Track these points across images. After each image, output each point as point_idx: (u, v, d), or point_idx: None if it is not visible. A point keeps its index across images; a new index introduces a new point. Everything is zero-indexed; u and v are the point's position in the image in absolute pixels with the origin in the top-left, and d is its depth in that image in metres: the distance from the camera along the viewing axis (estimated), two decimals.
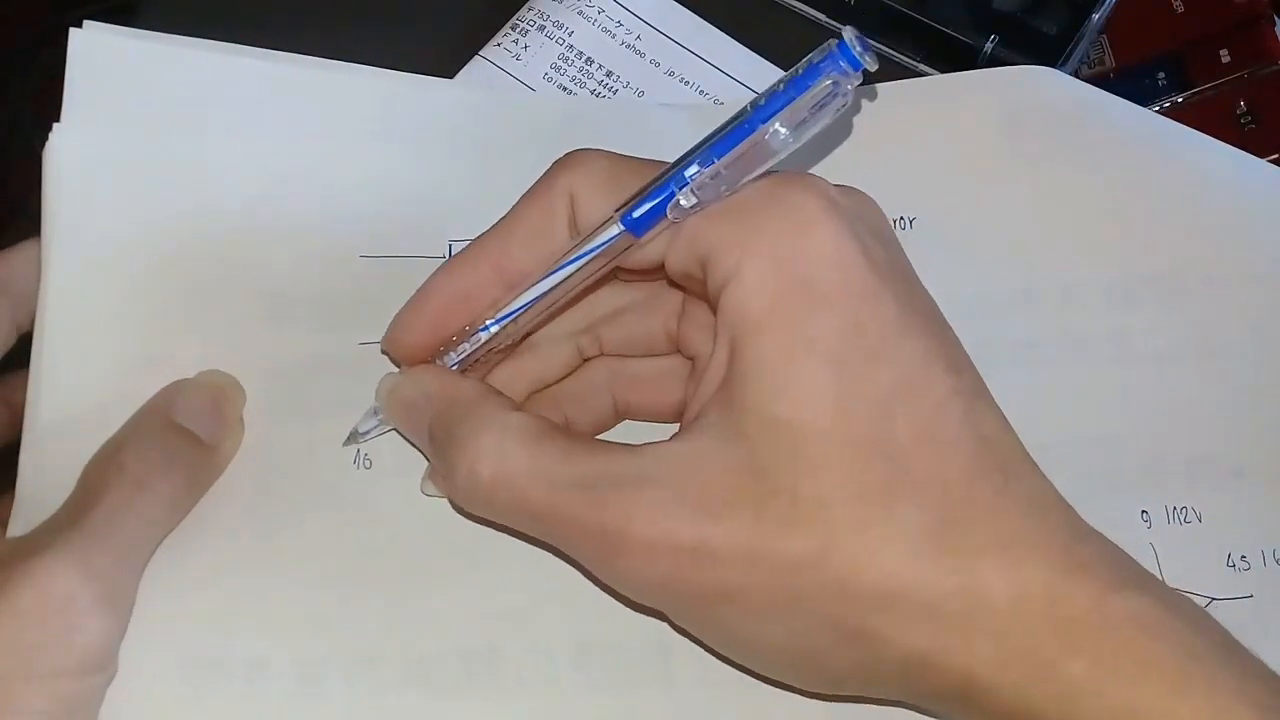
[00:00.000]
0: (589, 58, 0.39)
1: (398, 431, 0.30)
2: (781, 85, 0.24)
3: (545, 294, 0.27)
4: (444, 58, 0.38)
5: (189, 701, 0.28)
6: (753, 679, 0.29)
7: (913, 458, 0.23)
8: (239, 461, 0.30)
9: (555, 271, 0.27)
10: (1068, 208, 0.34)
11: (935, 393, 0.24)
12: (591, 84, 0.39)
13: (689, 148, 0.25)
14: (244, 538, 0.29)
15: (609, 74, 0.39)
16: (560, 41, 0.39)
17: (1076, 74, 0.39)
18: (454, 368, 0.28)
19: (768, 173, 0.25)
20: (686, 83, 0.39)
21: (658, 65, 0.39)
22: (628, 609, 0.29)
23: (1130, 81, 0.40)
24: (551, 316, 0.28)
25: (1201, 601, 0.30)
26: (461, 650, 0.29)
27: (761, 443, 0.23)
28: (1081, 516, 0.24)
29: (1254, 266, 0.34)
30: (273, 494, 0.30)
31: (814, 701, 0.29)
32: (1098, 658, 0.22)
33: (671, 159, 0.26)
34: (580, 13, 0.39)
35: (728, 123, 0.25)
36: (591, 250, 0.26)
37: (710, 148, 0.25)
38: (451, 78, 0.38)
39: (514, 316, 0.27)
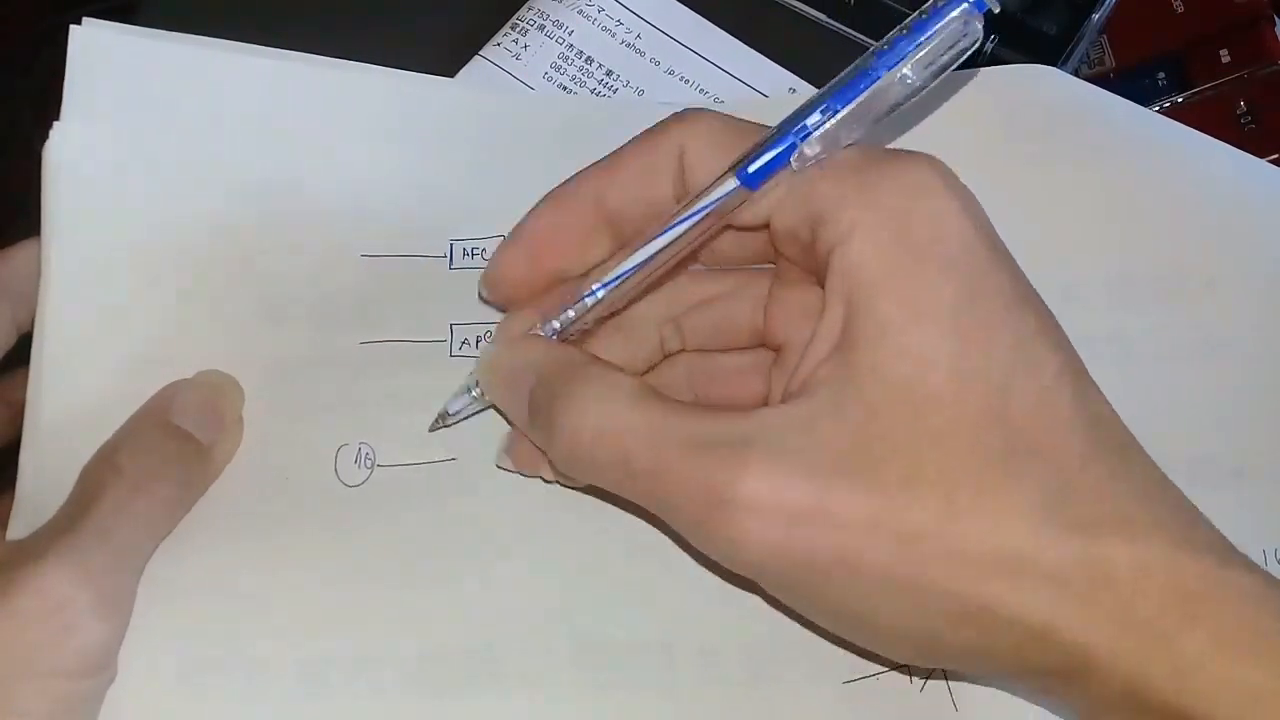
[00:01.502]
0: (589, 57, 0.39)
1: (495, 409, 0.29)
2: (905, 30, 0.24)
3: (655, 254, 0.26)
4: (444, 58, 0.38)
5: (189, 702, 0.28)
6: (753, 679, 0.29)
7: (1031, 431, 0.23)
8: (239, 461, 0.30)
9: (667, 230, 0.26)
10: (1068, 208, 0.34)
11: (1049, 368, 0.23)
12: (591, 83, 0.39)
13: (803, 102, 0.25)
14: (244, 538, 0.29)
15: (609, 73, 0.39)
16: (560, 41, 0.39)
17: (1076, 74, 0.39)
18: (555, 337, 0.28)
19: (864, 144, 0.25)
20: (687, 81, 0.39)
21: (658, 64, 0.39)
22: (625, 609, 0.29)
23: (1130, 81, 0.40)
24: (653, 286, 0.28)
25: None
26: (461, 650, 0.29)
27: (882, 407, 0.23)
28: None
29: (1254, 266, 0.34)
30: (273, 494, 0.30)
31: (816, 701, 0.29)
32: (1216, 630, 0.22)
33: None
34: (580, 12, 0.39)
35: (846, 73, 0.24)
36: (705, 207, 0.25)
37: (832, 97, 0.24)
38: (451, 78, 0.38)
39: (621, 279, 0.26)
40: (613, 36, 0.39)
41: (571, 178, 0.27)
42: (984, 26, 0.24)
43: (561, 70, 0.39)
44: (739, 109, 0.37)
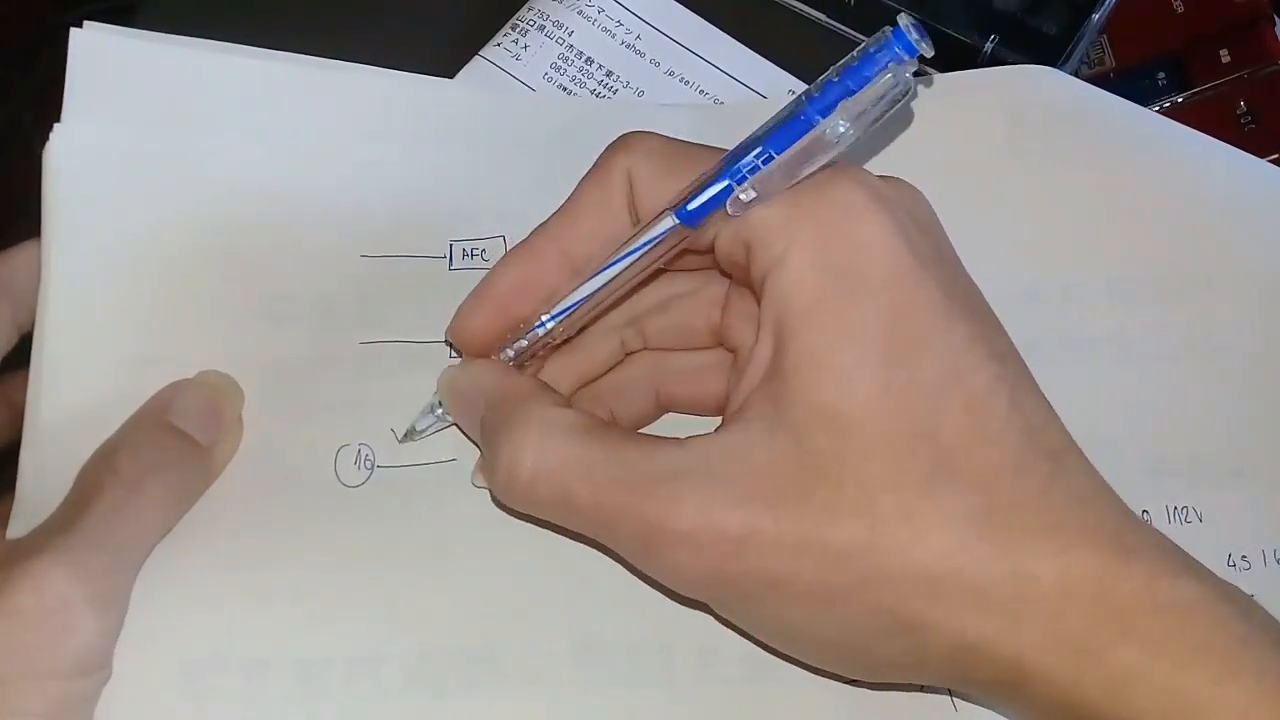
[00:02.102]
0: (589, 57, 0.39)
1: (458, 427, 0.30)
2: (836, 75, 0.24)
3: (601, 288, 0.27)
4: (444, 58, 0.38)
5: (188, 702, 0.28)
6: (753, 679, 0.29)
7: (959, 445, 0.23)
8: (238, 461, 0.30)
9: (610, 266, 0.27)
10: (1068, 208, 0.34)
11: (980, 380, 0.24)
12: (591, 84, 0.39)
13: (743, 139, 0.25)
14: (244, 538, 0.29)
15: (609, 74, 0.39)
16: (560, 41, 0.39)
17: (1076, 74, 0.39)
18: (511, 362, 0.28)
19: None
20: (686, 82, 0.39)
21: (658, 65, 0.39)
22: (625, 609, 0.29)
23: (1130, 81, 0.40)
24: (607, 310, 0.28)
25: None
26: (461, 650, 0.29)
27: (808, 432, 0.23)
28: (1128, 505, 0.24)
29: (1254, 266, 0.34)
30: (272, 494, 0.30)
31: (814, 700, 0.29)
32: (1147, 642, 0.22)
33: None
34: (580, 12, 0.39)
35: (782, 114, 0.24)
36: (646, 244, 0.26)
37: (767, 140, 0.24)
38: (451, 78, 0.38)
39: (570, 311, 0.27)
40: (613, 37, 0.39)
41: (532, 232, 0.28)
42: (914, 74, 0.24)
43: (561, 71, 0.39)
44: (739, 110, 0.37)
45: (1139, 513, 0.31)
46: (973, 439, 0.23)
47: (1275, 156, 0.37)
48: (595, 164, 0.27)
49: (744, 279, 0.26)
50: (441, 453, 0.30)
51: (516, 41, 0.39)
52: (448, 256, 0.33)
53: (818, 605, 0.24)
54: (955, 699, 0.29)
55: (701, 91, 0.39)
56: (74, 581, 0.25)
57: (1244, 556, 0.31)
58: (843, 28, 0.40)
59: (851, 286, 0.24)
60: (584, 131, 0.35)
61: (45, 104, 0.31)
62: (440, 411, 0.30)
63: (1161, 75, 0.40)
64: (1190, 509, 0.32)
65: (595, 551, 0.30)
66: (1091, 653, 0.22)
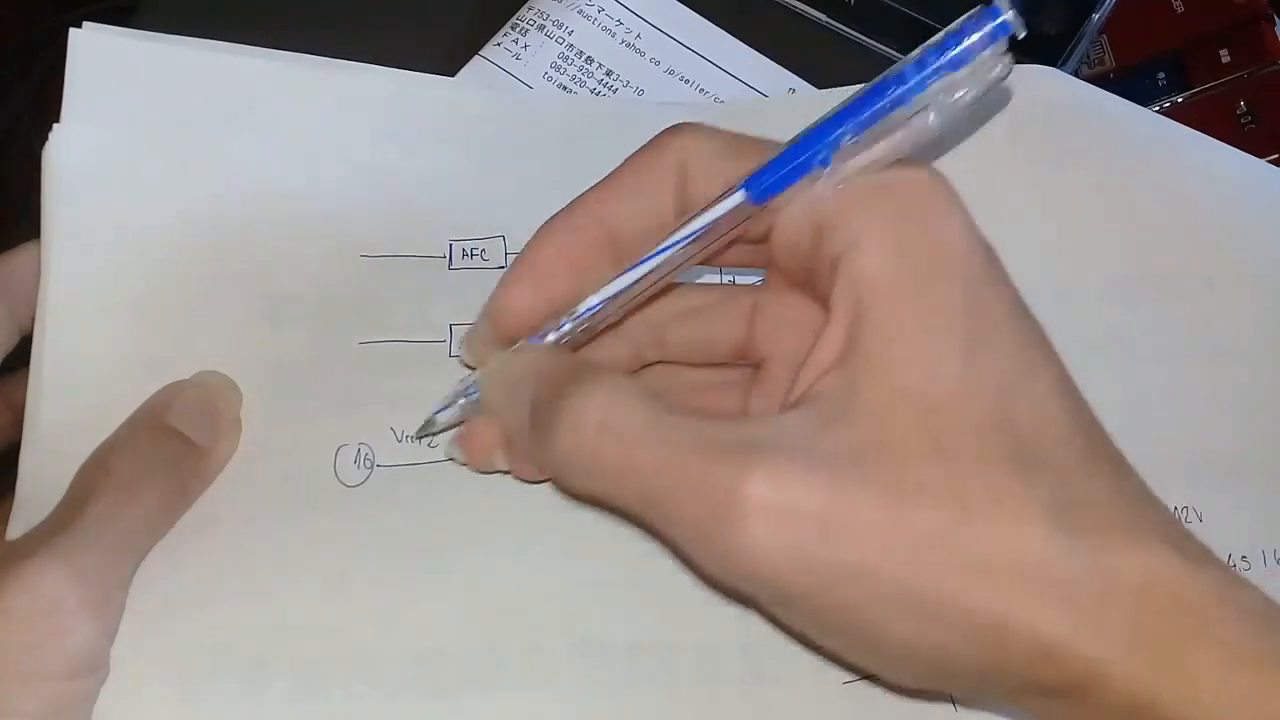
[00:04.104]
0: (589, 57, 0.39)
1: (484, 417, 0.29)
2: (929, 52, 0.23)
3: (653, 270, 0.25)
4: (444, 58, 0.38)
5: (188, 703, 0.28)
6: (753, 679, 0.29)
7: (1035, 437, 0.23)
8: (238, 461, 0.30)
9: (666, 248, 0.25)
10: (1068, 208, 0.34)
11: (1049, 377, 0.24)
12: (591, 83, 0.39)
13: (822, 115, 0.24)
14: (243, 538, 0.29)
15: (609, 73, 0.39)
16: (560, 41, 0.39)
17: (1076, 74, 0.39)
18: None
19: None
20: (686, 81, 0.39)
21: (657, 64, 0.39)
22: (625, 609, 0.29)
23: (1130, 81, 0.40)
24: (651, 298, 0.27)
25: None
26: (461, 650, 0.29)
27: (892, 413, 0.23)
28: None
29: (1254, 266, 0.34)
30: (272, 494, 0.30)
31: (816, 701, 0.29)
32: (1223, 647, 0.22)
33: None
34: (580, 12, 0.39)
35: (870, 92, 0.23)
36: (709, 221, 0.25)
37: (850, 118, 0.23)
38: (451, 78, 0.38)
39: (620, 293, 0.26)
40: (613, 36, 0.39)
41: (571, 202, 0.27)
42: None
43: (561, 70, 0.39)
44: (739, 109, 0.37)
45: None
46: (1045, 433, 0.23)
47: (1275, 156, 0.37)
48: (648, 144, 0.26)
49: (800, 264, 0.25)
50: (441, 452, 0.30)
51: (516, 41, 0.39)
52: (447, 256, 0.33)
53: (902, 599, 0.22)
54: (955, 699, 0.29)
55: (701, 90, 0.39)
56: (68, 582, 0.25)
57: (1244, 557, 0.31)
58: (843, 27, 0.40)
59: (933, 271, 0.23)
60: (584, 131, 0.35)
61: (45, 104, 0.31)
62: (463, 402, 0.29)
63: (1161, 75, 0.40)
64: (1190, 509, 0.32)
65: (595, 551, 0.30)
66: (1169, 655, 0.22)
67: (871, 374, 0.23)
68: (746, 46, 0.39)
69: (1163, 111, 0.39)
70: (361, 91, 0.34)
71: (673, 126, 0.26)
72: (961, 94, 0.23)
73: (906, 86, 0.23)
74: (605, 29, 0.39)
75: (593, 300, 0.26)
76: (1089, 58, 0.41)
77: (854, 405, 0.23)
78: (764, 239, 0.26)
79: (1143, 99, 0.39)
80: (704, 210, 0.25)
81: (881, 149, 0.24)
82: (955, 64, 0.23)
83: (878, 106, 0.23)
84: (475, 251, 0.33)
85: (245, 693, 0.28)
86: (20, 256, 0.31)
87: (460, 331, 0.31)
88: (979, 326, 0.23)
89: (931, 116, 0.23)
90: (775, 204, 0.24)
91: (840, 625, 0.23)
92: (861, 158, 0.24)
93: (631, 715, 0.29)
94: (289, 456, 0.30)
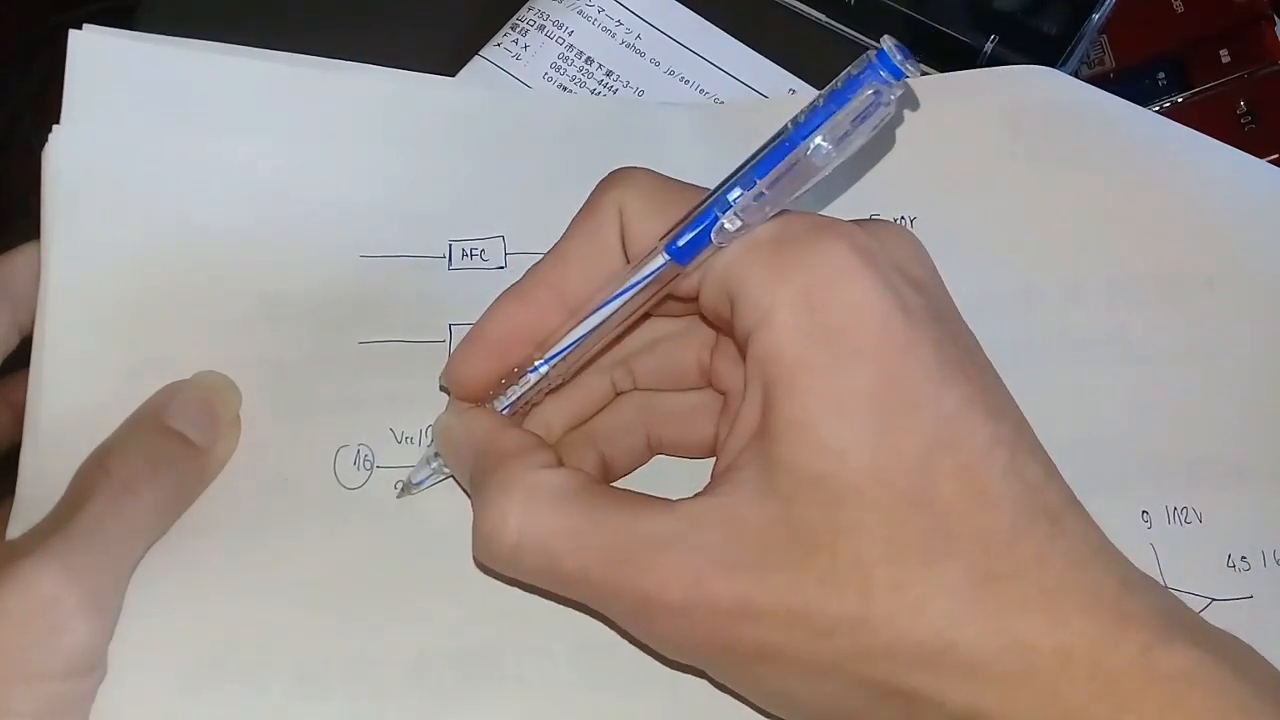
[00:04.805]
0: (589, 57, 0.39)
1: (455, 480, 0.29)
2: (821, 100, 0.24)
3: (594, 330, 0.26)
4: (444, 58, 0.38)
5: (187, 703, 0.28)
6: None
7: (954, 512, 0.23)
8: (237, 462, 0.30)
9: (602, 307, 0.26)
10: (1068, 208, 0.34)
11: (976, 443, 0.23)
12: (591, 83, 0.39)
13: (730, 170, 0.24)
14: (243, 538, 0.29)
15: (609, 73, 0.39)
16: (560, 41, 0.39)
17: (1076, 74, 0.39)
18: (506, 410, 0.28)
19: (788, 213, 0.24)
20: (686, 81, 0.39)
21: (657, 64, 0.39)
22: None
23: (1130, 81, 0.40)
24: (602, 352, 0.28)
25: (1201, 602, 0.30)
26: (461, 650, 0.29)
27: (799, 500, 0.23)
28: (1132, 562, 0.24)
29: (1254, 266, 0.34)
30: (272, 494, 0.30)
31: None
32: (1144, 716, 0.22)
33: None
34: (580, 12, 0.39)
35: (768, 143, 0.24)
36: (639, 282, 0.26)
37: (752, 169, 0.24)
38: (452, 77, 0.38)
39: (563, 354, 0.27)
40: (613, 37, 0.39)
41: (525, 274, 0.27)
42: (902, 97, 0.24)
43: (561, 70, 0.39)
44: (739, 109, 0.37)
45: (1139, 513, 0.31)
46: (969, 504, 0.23)
47: (1275, 156, 0.37)
48: (586, 202, 0.27)
49: (729, 332, 0.25)
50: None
51: (516, 41, 0.39)
52: (447, 256, 0.33)
53: (810, 675, 0.23)
54: None
55: (701, 91, 0.39)
56: (64, 582, 0.25)
57: (1244, 557, 0.31)
58: (842, 28, 0.40)
59: (840, 351, 0.23)
60: (584, 131, 0.35)
61: (45, 105, 0.31)
62: (437, 464, 0.29)
63: (1161, 75, 0.40)
64: (1190, 509, 0.31)
65: None
66: None
67: (780, 460, 0.23)
68: (746, 47, 0.39)
69: (1163, 111, 0.39)
70: (362, 91, 0.34)
71: (608, 176, 0.27)
72: (851, 134, 0.23)
73: (798, 135, 0.23)
74: (605, 29, 0.39)
75: (538, 363, 0.27)
76: (1089, 58, 0.41)
77: (764, 492, 0.23)
78: (695, 297, 0.26)
79: (1143, 99, 0.39)
80: (632, 270, 0.26)
81: (778, 192, 0.24)
82: (840, 105, 0.23)
83: (770, 154, 0.24)
84: (475, 251, 0.33)
85: (244, 693, 0.28)
86: (20, 256, 0.31)
87: (460, 332, 0.31)
88: (890, 405, 0.23)
89: (824, 148, 0.23)
90: (698, 261, 0.25)
91: (763, 696, 0.26)
92: (762, 203, 0.24)
93: (631, 715, 0.29)
94: (288, 457, 0.30)
